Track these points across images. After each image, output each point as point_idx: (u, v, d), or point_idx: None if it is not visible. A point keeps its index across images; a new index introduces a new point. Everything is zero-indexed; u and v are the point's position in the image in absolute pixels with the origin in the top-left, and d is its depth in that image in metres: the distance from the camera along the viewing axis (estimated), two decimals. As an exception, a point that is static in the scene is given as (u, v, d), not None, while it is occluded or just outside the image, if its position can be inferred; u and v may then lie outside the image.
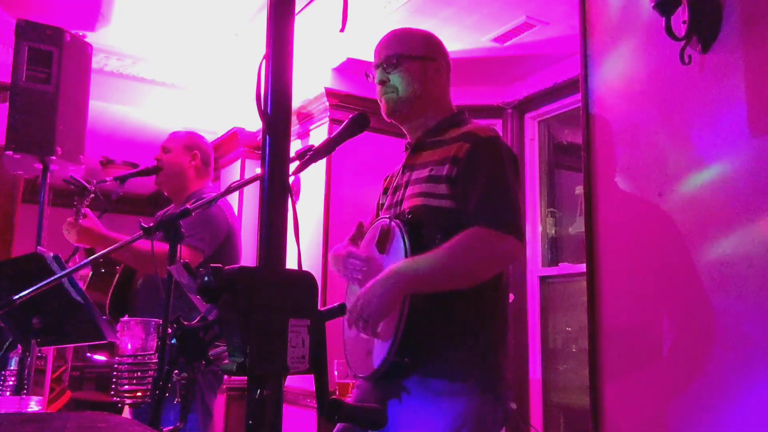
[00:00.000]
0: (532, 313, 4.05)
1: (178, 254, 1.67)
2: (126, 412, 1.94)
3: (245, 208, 4.76)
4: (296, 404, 3.78)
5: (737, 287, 1.74)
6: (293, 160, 1.55)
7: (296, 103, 4.18)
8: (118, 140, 5.46)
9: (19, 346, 1.83)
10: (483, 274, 1.56)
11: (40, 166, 2.59)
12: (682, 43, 1.85)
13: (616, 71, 2.16)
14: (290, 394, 3.78)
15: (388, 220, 1.64)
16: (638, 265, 2.02)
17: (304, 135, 4.42)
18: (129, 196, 6.74)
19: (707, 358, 1.79)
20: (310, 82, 4.17)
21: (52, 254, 1.81)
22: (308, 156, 1.58)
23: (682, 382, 1.85)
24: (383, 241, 1.63)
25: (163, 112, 4.71)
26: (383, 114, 1.76)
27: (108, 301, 2.53)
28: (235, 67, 4.35)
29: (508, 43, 3.79)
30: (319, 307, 0.84)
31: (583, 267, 2.26)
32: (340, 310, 1.28)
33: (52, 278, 1.60)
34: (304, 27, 3.58)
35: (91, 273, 2.64)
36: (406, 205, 1.65)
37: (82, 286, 1.89)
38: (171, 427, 1.28)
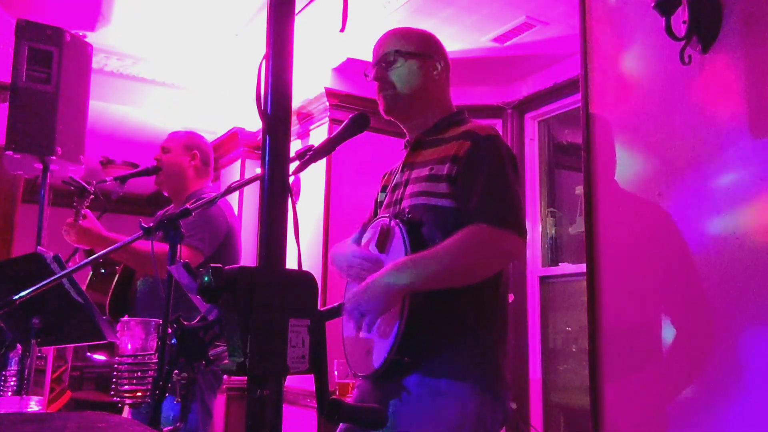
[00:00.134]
0: (532, 313, 4.05)
1: (178, 254, 1.67)
2: (126, 412, 1.94)
3: (245, 208, 4.76)
4: (296, 404, 3.78)
5: (737, 287, 1.74)
6: (293, 160, 1.55)
7: (296, 103, 4.18)
8: (118, 140, 5.46)
9: (19, 346, 1.83)
10: (484, 272, 1.55)
11: (40, 166, 2.59)
12: (682, 43, 1.85)
13: (616, 71, 2.16)
14: (290, 394, 3.78)
15: (387, 219, 1.63)
16: (638, 265, 2.02)
17: (304, 135, 4.42)
18: (129, 196, 6.74)
19: (707, 358, 1.79)
20: (310, 82, 4.17)
21: (52, 254, 1.81)
22: (308, 156, 1.58)
23: (682, 382, 1.85)
24: (383, 240, 1.63)
25: (163, 112, 4.71)
26: (381, 111, 1.76)
27: (108, 302, 2.53)
28: (235, 67, 4.35)
29: (508, 43, 3.79)
30: (319, 307, 0.84)
31: (583, 267, 2.26)
32: (340, 310, 1.27)
33: (52, 278, 1.60)
34: (304, 27, 3.58)
35: (90, 273, 2.64)
36: (405, 204, 1.65)
37: (82, 286, 1.89)
38: (171, 427, 1.28)
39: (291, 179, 0.97)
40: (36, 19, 2.64)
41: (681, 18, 1.85)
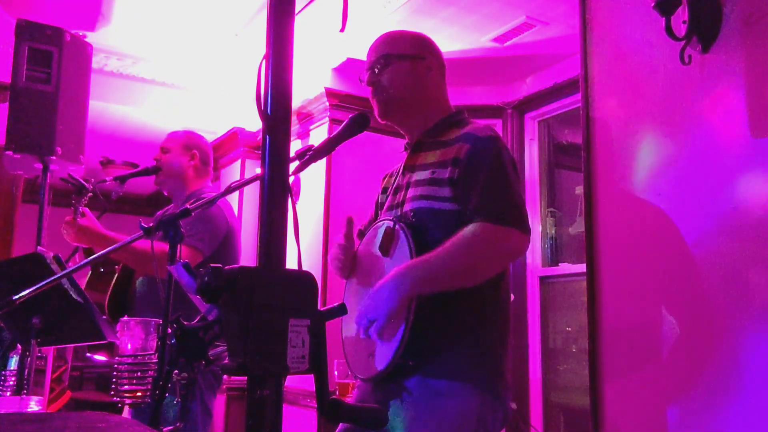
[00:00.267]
0: (532, 313, 4.05)
1: (178, 254, 1.67)
2: (126, 412, 1.94)
3: (245, 208, 4.76)
4: (296, 404, 3.78)
5: (737, 287, 1.74)
6: (293, 160, 1.55)
7: (296, 103, 4.18)
8: (118, 140, 5.46)
9: (19, 346, 1.83)
10: (489, 270, 1.55)
11: (40, 166, 2.58)
12: (682, 43, 1.85)
13: (616, 71, 2.16)
14: (290, 394, 3.78)
15: (391, 222, 1.63)
16: (638, 265, 2.02)
17: (304, 135, 4.42)
18: (129, 196, 6.75)
19: (707, 358, 1.79)
20: (310, 82, 4.17)
21: (52, 254, 1.81)
22: (308, 156, 1.57)
23: (682, 382, 1.85)
24: (387, 244, 1.63)
25: (163, 112, 4.71)
26: (376, 116, 1.76)
27: (107, 301, 2.53)
28: (235, 67, 4.35)
29: (508, 43, 3.79)
30: (319, 307, 0.84)
31: (583, 267, 2.26)
32: (340, 310, 1.28)
33: (52, 278, 1.60)
34: (304, 27, 3.58)
35: (89, 273, 2.64)
36: (408, 207, 1.65)
37: (81, 285, 1.89)
38: (171, 427, 1.28)
39: (291, 179, 0.97)
40: (36, 19, 2.64)
41: (681, 18, 1.85)
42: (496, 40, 3.75)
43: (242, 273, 0.80)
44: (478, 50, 3.87)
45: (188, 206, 1.68)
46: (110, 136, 5.34)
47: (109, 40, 4.05)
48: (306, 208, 4.18)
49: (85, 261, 1.78)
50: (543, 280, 4.08)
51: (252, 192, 4.79)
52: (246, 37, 3.97)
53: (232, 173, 5.04)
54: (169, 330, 1.23)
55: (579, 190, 3.47)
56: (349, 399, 2.55)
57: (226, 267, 0.81)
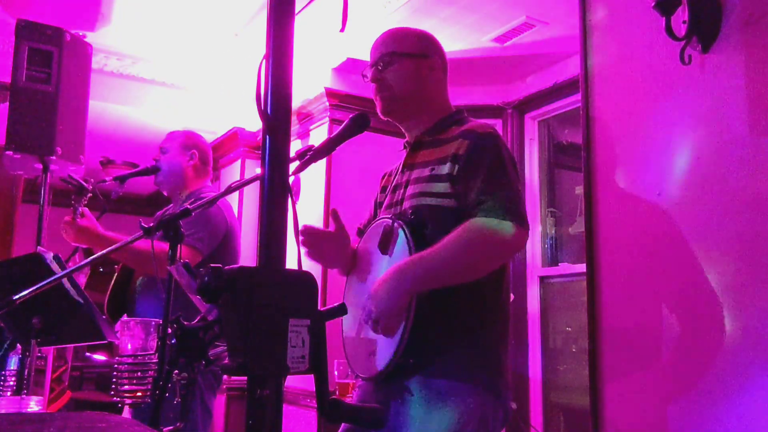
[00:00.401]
0: (532, 313, 4.05)
1: (178, 254, 1.67)
2: (126, 412, 1.94)
3: (245, 208, 4.76)
4: (296, 404, 3.78)
5: (737, 287, 1.74)
6: (293, 160, 1.55)
7: (296, 103, 4.18)
8: (118, 140, 5.46)
9: (19, 346, 1.83)
10: (489, 265, 1.55)
11: (40, 166, 2.59)
12: (682, 43, 1.85)
13: (616, 71, 2.16)
14: (290, 394, 3.78)
15: (390, 221, 1.63)
16: (638, 265, 2.02)
17: (304, 135, 4.42)
18: (129, 196, 6.74)
19: (707, 358, 1.79)
20: (310, 82, 4.17)
21: (52, 254, 1.81)
22: (308, 156, 1.57)
23: (682, 382, 1.85)
24: (386, 242, 1.63)
25: (163, 112, 4.71)
26: (379, 113, 1.76)
27: (106, 301, 2.53)
28: (235, 67, 4.35)
29: (508, 43, 3.79)
30: (319, 307, 0.84)
31: (583, 267, 2.26)
32: (340, 310, 1.27)
33: (52, 278, 1.60)
34: (304, 27, 3.58)
35: (89, 273, 2.64)
36: (407, 205, 1.65)
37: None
38: (171, 427, 1.28)
39: (291, 179, 0.97)
40: (36, 19, 2.64)
41: (681, 18, 1.85)
42: (496, 40, 3.75)
43: (242, 273, 0.80)
44: (478, 50, 3.87)
45: (188, 206, 1.68)
46: (110, 136, 5.34)
47: (109, 40, 4.05)
48: (306, 208, 4.18)
49: (85, 261, 1.78)
50: (543, 280, 4.08)
51: (252, 192, 4.79)
52: (246, 37, 3.97)
53: (232, 173, 5.04)
54: (169, 330, 1.23)
55: (579, 190, 3.47)
56: (350, 399, 2.55)
57: (226, 267, 0.81)
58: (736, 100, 1.78)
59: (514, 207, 1.52)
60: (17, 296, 1.51)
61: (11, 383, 1.83)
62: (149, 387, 1.46)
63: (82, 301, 1.81)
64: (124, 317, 2.52)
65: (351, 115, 1.66)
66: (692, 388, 1.82)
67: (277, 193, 0.84)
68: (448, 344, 1.55)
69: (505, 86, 4.29)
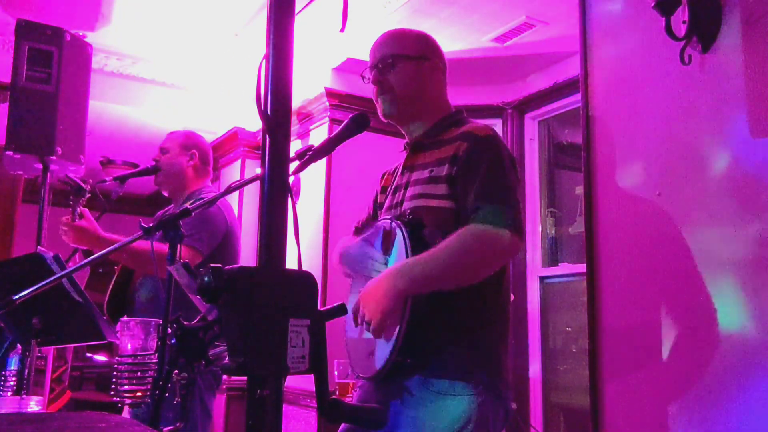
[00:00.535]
0: (532, 313, 4.05)
1: (178, 254, 1.67)
2: (126, 412, 1.94)
3: (245, 208, 4.76)
4: (296, 404, 3.78)
5: (737, 287, 1.74)
6: (293, 160, 1.55)
7: (296, 103, 4.18)
8: (118, 140, 5.46)
9: (19, 346, 1.83)
10: (482, 272, 1.55)
11: (40, 166, 2.59)
12: (682, 43, 1.85)
13: (616, 71, 2.16)
14: (290, 394, 3.78)
15: (389, 222, 1.64)
16: (638, 265, 2.02)
17: (304, 135, 4.42)
18: (129, 196, 6.74)
19: (707, 358, 1.79)
20: (310, 82, 4.17)
21: (52, 254, 1.81)
22: (308, 156, 1.58)
23: (682, 382, 1.85)
24: (385, 243, 1.63)
25: (163, 112, 4.71)
26: (380, 115, 1.76)
27: (106, 301, 2.53)
28: (235, 67, 4.35)
29: (508, 43, 3.79)
30: (319, 307, 0.84)
31: (583, 267, 2.26)
32: (340, 310, 1.27)
33: (52, 278, 1.60)
34: (304, 27, 3.58)
35: (88, 273, 2.64)
36: (406, 206, 1.65)
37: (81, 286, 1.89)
38: (171, 427, 1.28)
39: (291, 179, 0.97)
40: (36, 19, 2.64)
41: (681, 18, 1.85)
42: (496, 40, 3.75)
43: (242, 273, 0.80)
44: (478, 50, 3.87)
45: (188, 206, 1.68)
46: (110, 136, 5.34)
47: (109, 40, 4.05)
48: (306, 208, 4.18)
49: (85, 261, 1.78)
50: (543, 280, 4.08)
51: (252, 192, 4.78)
52: (246, 37, 3.97)
53: (232, 173, 5.04)
54: (169, 330, 1.23)
55: (579, 190, 3.47)
56: (351, 399, 2.55)
57: (226, 267, 0.81)
58: (736, 100, 1.78)
59: (511, 215, 1.53)
60: (17, 296, 1.51)
61: (11, 383, 1.83)
62: (149, 387, 1.46)
63: (82, 301, 1.81)
64: (124, 317, 2.52)
65: (351, 115, 1.66)
66: (692, 388, 1.82)
67: (277, 193, 0.85)
68: (448, 344, 1.55)
69: (505, 86, 4.29)
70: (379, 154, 3.80)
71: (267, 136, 0.86)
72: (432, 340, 1.54)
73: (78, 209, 2.35)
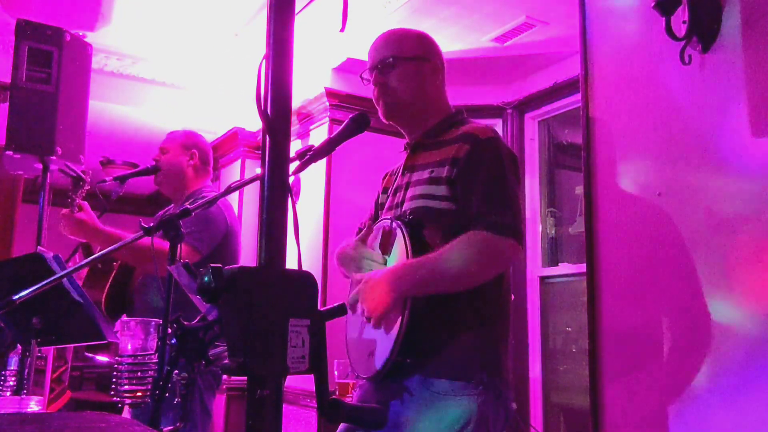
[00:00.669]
0: (532, 313, 4.05)
1: (178, 254, 1.67)
2: (126, 412, 1.94)
3: (245, 208, 4.76)
4: (296, 404, 3.78)
5: (737, 287, 1.74)
6: (293, 160, 1.55)
7: (296, 103, 4.17)
8: (118, 140, 5.46)
9: (19, 346, 1.83)
10: (481, 278, 1.55)
11: (40, 166, 2.59)
12: (682, 43, 1.85)
13: (616, 71, 2.16)
14: (290, 394, 3.78)
15: (389, 222, 1.64)
16: (638, 265, 2.02)
17: (304, 135, 4.42)
18: (129, 196, 6.74)
19: (707, 358, 1.79)
20: (310, 82, 4.17)
21: (52, 254, 1.81)
22: (308, 156, 1.58)
23: (682, 382, 1.85)
24: (385, 243, 1.64)
25: (163, 112, 4.71)
26: (381, 117, 1.76)
27: (104, 299, 2.53)
28: (235, 67, 4.35)
29: (508, 43, 3.79)
30: (319, 307, 0.84)
31: (583, 267, 2.26)
32: (340, 310, 1.28)
33: (52, 278, 1.60)
34: (304, 27, 3.58)
35: (87, 269, 2.63)
36: (407, 207, 1.65)
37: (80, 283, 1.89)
38: (171, 427, 1.28)
39: (291, 179, 0.97)
40: (36, 19, 2.64)
41: (681, 18, 1.85)
42: (496, 40, 3.75)
43: (242, 273, 0.80)
44: (478, 50, 3.87)
45: (188, 206, 1.68)
46: (110, 136, 5.34)
47: (109, 40, 4.05)
48: (306, 208, 4.18)
49: (86, 261, 1.78)
50: (543, 280, 4.08)
51: (252, 192, 4.78)
52: (246, 37, 3.97)
53: (232, 173, 5.04)
54: (169, 330, 1.23)
55: (579, 190, 3.47)
56: (351, 398, 2.55)
57: (226, 267, 0.81)
58: (736, 100, 1.78)
59: (513, 222, 1.54)
60: (17, 296, 1.51)
61: (11, 383, 1.83)
62: (149, 387, 1.46)
63: (82, 301, 1.81)
64: (124, 317, 2.52)
65: (351, 115, 1.66)
66: (692, 387, 1.82)
67: (277, 193, 0.85)
68: (448, 344, 1.55)
69: (505, 86, 4.29)
70: (379, 154, 3.80)
71: (267, 136, 0.86)
72: (432, 340, 1.54)
73: (77, 201, 2.34)
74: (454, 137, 1.66)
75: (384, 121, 1.77)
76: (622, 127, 2.13)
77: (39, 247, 2.44)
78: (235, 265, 0.81)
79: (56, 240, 2.40)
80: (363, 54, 1.83)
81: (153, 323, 1.52)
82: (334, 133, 1.65)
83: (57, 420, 1.06)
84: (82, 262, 1.76)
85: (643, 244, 2.01)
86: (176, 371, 1.23)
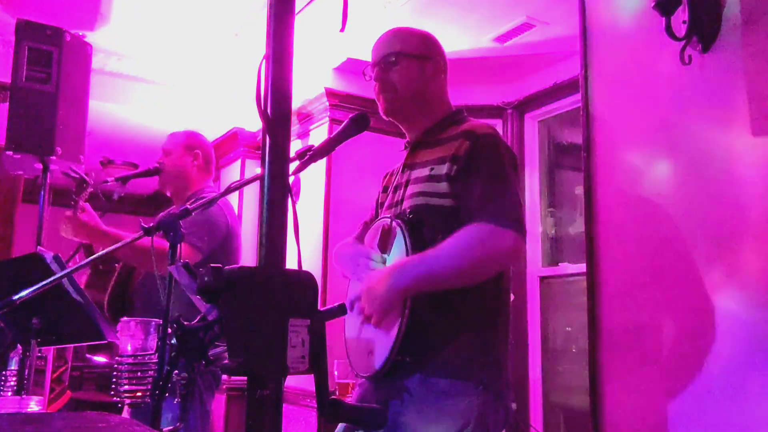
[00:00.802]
0: (532, 313, 4.05)
1: (178, 254, 1.67)
2: (126, 412, 1.94)
3: (245, 208, 4.76)
4: (296, 404, 3.78)
5: (737, 287, 1.74)
6: (293, 160, 1.55)
7: (296, 103, 4.17)
8: (118, 140, 5.45)
9: (19, 346, 1.83)
10: (485, 272, 1.54)
11: (40, 166, 2.59)
12: (682, 43, 1.85)
13: (616, 71, 2.16)
14: (290, 394, 3.78)
15: (389, 220, 1.64)
16: (638, 264, 2.02)
17: (304, 135, 4.42)
18: (129, 197, 6.74)
19: (707, 358, 1.79)
20: (310, 82, 4.17)
21: (52, 254, 1.81)
22: (308, 156, 1.58)
23: (682, 381, 1.85)
24: (385, 241, 1.63)
25: (163, 112, 4.71)
26: (381, 112, 1.76)
27: (106, 300, 2.53)
28: (235, 67, 4.35)
29: (508, 43, 3.79)
30: (319, 307, 0.84)
31: (583, 267, 2.26)
32: (340, 310, 1.27)
33: (52, 278, 1.60)
34: (304, 27, 3.58)
35: (89, 271, 2.63)
36: (406, 205, 1.65)
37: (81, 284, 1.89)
38: (171, 428, 1.28)
39: (291, 179, 0.97)
40: (36, 19, 2.64)
41: (681, 18, 1.85)
42: (496, 40, 3.75)
43: (242, 273, 0.80)
44: (478, 50, 3.87)
45: (188, 206, 1.68)
46: (110, 136, 5.34)
47: (109, 40, 4.05)
48: (306, 208, 4.18)
49: (86, 261, 1.78)
50: (543, 280, 4.07)
51: (252, 192, 4.78)
52: (246, 36, 3.97)
53: (232, 173, 5.04)
54: (169, 330, 1.23)
55: (579, 190, 3.47)
56: (351, 399, 2.55)
57: (226, 267, 0.81)
58: (736, 100, 1.78)
59: (514, 215, 1.52)
60: (17, 296, 1.51)
61: (11, 383, 1.83)
62: (149, 387, 1.46)
63: (82, 301, 1.81)
64: (125, 317, 2.52)
65: (351, 115, 1.66)
66: (692, 388, 1.82)
67: (277, 193, 0.85)
68: (448, 343, 1.55)
69: (505, 86, 4.29)
70: (379, 154, 3.81)
71: (267, 136, 0.86)
72: (432, 340, 1.53)
73: (80, 203, 2.34)
74: (454, 135, 1.66)
75: (384, 117, 1.76)
76: (622, 127, 2.13)
77: (39, 247, 2.44)
78: (235, 265, 0.81)
79: (56, 240, 2.40)
80: (363, 54, 1.83)
81: (153, 323, 1.52)
82: (334, 133, 1.65)
83: (57, 420, 1.06)
84: (82, 262, 1.76)
85: (643, 243, 2.01)
86: (176, 371, 1.23)
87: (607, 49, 2.20)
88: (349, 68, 4.07)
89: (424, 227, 1.57)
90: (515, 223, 1.51)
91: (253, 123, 4.83)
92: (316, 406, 0.87)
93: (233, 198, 4.59)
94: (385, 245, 1.63)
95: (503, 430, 1.61)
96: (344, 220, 3.83)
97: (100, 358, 5.38)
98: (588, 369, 2.14)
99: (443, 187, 1.59)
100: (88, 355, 5.48)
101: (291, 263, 0.84)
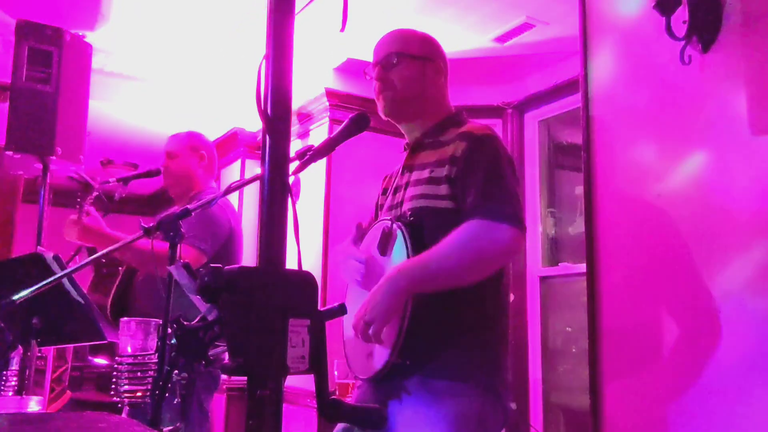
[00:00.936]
0: (532, 313, 4.05)
1: (178, 254, 1.67)
2: (126, 412, 1.94)
3: (245, 208, 4.76)
4: (296, 404, 3.78)
5: (737, 287, 1.74)
6: (293, 160, 1.55)
7: (296, 103, 4.17)
8: (118, 140, 5.46)
9: (20, 346, 1.83)
10: (483, 267, 1.53)
11: (40, 166, 2.59)
12: (682, 43, 1.85)
13: (616, 71, 2.16)
14: (290, 394, 3.77)
15: (389, 222, 1.63)
16: (638, 265, 2.02)
17: (304, 135, 4.42)
18: (130, 197, 6.72)
19: (707, 358, 1.79)
20: (310, 82, 4.17)
21: (52, 254, 1.81)
22: (308, 156, 1.58)
23: (682, 382, 1.85)
24: (385, 243, 1.63)
25: (163, 112, 4.71)
26: (380, 112, 1.76)
27: (110, 303, 2.53)
28: (235, 66, 4.35)
29: (508, 43, 3.79)
30: (319, 307, 0.84)
31: (583, 267, 2.26)
32: (340, 310, 1.27)
33: (52, 278, 1.60)
34: (304, 27, 3.58)
35: (93, 275, 2.64)
36: (406, 207, 1.65)
37: (84, 287, 1.89)
38: (170, 428, 1.28)
39: (291, 179, 0.97)
40: (36, 19, 2.64)
41: (681, 18, 1.85)
42: (496, 40, 3.74)
43: (242, 273, 0.80)
44: (479, 50, 3.87)
45: (188, 207, 1.69)
46: (110, 136, 5.34)
47: (109, 40, 4.05)
48: (306, 208, 4.18)
49: (86, 261, 1.78)
50: (543, 280, 4.07)
51: (252, 192, 4.79)
52: (246, 36, 3.97)
53: (232, 173, 5.04)
54: (169, 330, 1.23)
55: (579, 190, 3.47)
56: (350, 399, 2.55)
57: (226, 267, 0.81)
58: (736, 100, 1.78)
59: (511, 210, 1.52)
60: (17, 296, 1.51)
61: (11, 383, 1.83)
62: (149, 387, 1.46)
63: (82, 301, 1.81)
64: (125, 317, 2.52)
65: (351, 115, 1.66)
66: (692, 388, 1.82)
67: (277, 193, 0.84)
68: (447, 344, 1.55)
69: (505, 86, 4.29)
70: (379, 154, 3.81)
71: (267, 136, 0.86)
72: (431, 341, 1.53)
73: (85, 207, 2.35)
74: (453, 137, 1.66)
75: (383, 116, 1.76)
76: (622, 127, 2.13)
77: (39, 247, 2.44)
78: (235, 265, 0.81)
79: (56, 240, 2.40)
80: (363, 54, 1.83)
81: (153, 323, 1.52)
82: (334, 133, 1.65)
83: (57, 420, 1.06)
84: (83, 262, 1.76)
85: (643, 243, 2.01)
86: (176, 371, 1.23)
87: (607, 49, 2.20)
88: (350, 68, 4.07)
89: (424, 229, 1.57)
90: (511, 217, 1.50)
91: (253, 123, 4.83)
92: (316, 406, 0.87)
93: (233, 198, 4.59)
94: (385, 247, 1.63)
95: (503, 430, 1.61)
96: (344, 220, 3.83)
97: (100, 360, 5.38)
98: (588, 369, 2.14)
99: (443, 189, 1.59)
100: (89, 357, 5.48)
101: (291, 263, 0.84)
